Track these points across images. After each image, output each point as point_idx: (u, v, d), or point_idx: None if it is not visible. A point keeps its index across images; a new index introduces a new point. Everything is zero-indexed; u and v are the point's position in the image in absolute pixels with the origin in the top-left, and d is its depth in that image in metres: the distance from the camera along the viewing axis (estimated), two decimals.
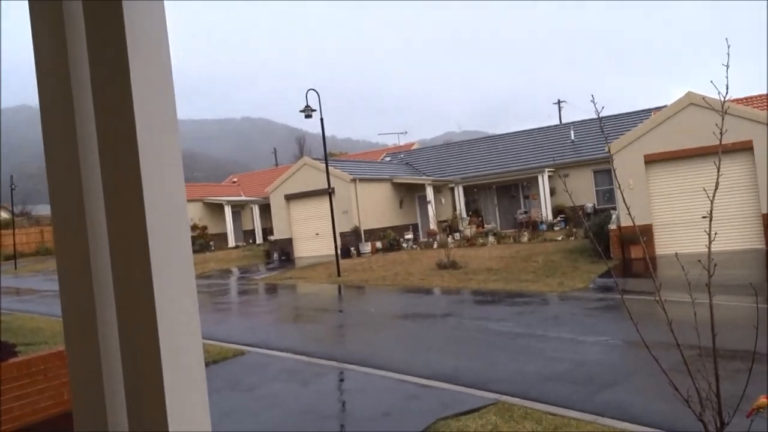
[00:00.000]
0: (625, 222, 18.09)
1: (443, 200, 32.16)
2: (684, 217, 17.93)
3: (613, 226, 19.07)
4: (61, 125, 0.79)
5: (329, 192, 22.59)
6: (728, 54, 4.21)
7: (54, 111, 0.79)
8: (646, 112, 28.54)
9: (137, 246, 0.71)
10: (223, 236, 38.71)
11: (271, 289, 20.36)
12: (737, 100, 21.85)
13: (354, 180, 28.29)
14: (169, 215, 0.75)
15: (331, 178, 23.11)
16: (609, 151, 10.29)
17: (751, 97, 23.18)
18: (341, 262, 21.88)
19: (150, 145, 0.74)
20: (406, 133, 67.14)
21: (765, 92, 23.23)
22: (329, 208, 22.60)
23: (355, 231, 27.85)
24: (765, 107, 19.86)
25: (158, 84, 0.78)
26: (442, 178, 32.39)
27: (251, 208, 39.15)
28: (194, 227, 37.42)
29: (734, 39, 4.40)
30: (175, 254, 0.74)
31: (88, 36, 0.78)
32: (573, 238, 23.73)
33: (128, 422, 0.70)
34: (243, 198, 41.11)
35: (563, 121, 43.43)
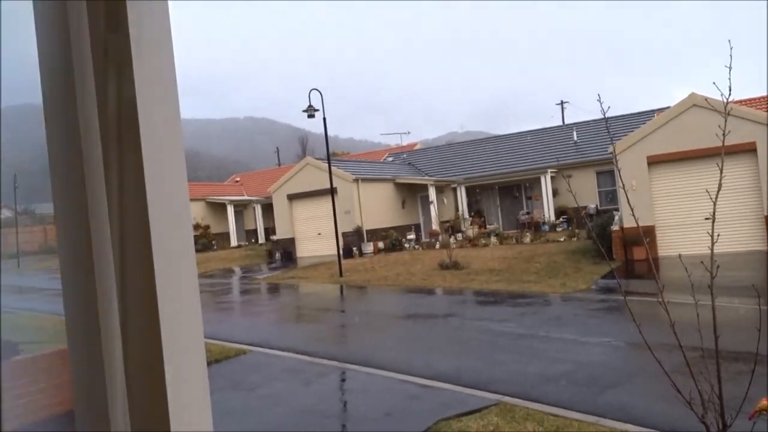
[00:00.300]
0: (628, 223, 18.06)
1: (445, 201, 32.14)
2: (687, 218, 17.90)
3: (615, 227, 19.05)
4: (65, 125, 0.79)
5: (332, 192, 22.59)
6: (731, 55, 4.20)
7: (57, 110, 0.79)
8: (649, 114, 28.50)
9: (140, 245, 0.71)
10: (226, 236, 38.74)
11: (274, 288, 20.37)
12: (740, 102, 21.81)
13: (356, 180, 28.29)
14: (172, 214, 0.75)
15: (333, 178, 23.12)
16: (613, 152, 10.29)
17: (754, 99, 23.13)
18: (343, 262, 21.88)
19: (153, 144, 0.74)
20: (408, 133, 67.06)
21: (766, 93, 23.18)
22: (332, 208, 22.60)
23: (358, 231, 27.85)
24: (760, 110, 19.81)
25: (162, 83, 0.78)
26: (444, 179, 32.38)
27: (254, 208, 39.17)
28: (197, 227, 37.44)
29: (736, 40, 4.39)
30: (178, 253, 0.74)
31: (92, 36, 0.78)
32: (575, 239, 23.70)
33: (130, 422, 0.70)
34: (245, 197, 41.14)
35: (566, 122, 43.40)
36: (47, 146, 0.81)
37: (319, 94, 22.04)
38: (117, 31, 0.77)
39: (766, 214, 17.29)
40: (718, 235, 4.10)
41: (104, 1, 0.77)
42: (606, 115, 4.60)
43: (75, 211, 0.77)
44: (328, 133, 22.45)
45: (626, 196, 4.99)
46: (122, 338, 0.71)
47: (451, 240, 25.68)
